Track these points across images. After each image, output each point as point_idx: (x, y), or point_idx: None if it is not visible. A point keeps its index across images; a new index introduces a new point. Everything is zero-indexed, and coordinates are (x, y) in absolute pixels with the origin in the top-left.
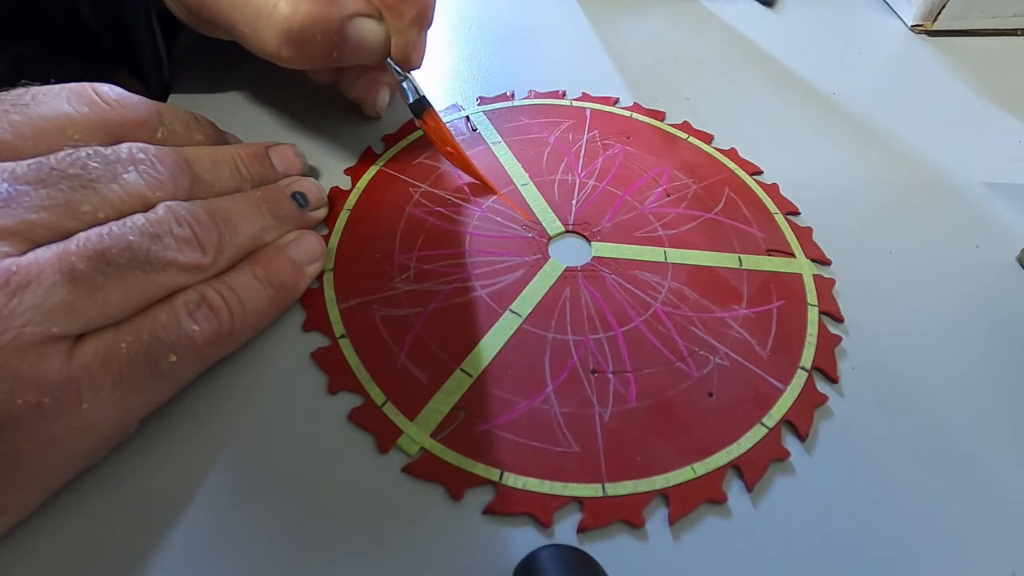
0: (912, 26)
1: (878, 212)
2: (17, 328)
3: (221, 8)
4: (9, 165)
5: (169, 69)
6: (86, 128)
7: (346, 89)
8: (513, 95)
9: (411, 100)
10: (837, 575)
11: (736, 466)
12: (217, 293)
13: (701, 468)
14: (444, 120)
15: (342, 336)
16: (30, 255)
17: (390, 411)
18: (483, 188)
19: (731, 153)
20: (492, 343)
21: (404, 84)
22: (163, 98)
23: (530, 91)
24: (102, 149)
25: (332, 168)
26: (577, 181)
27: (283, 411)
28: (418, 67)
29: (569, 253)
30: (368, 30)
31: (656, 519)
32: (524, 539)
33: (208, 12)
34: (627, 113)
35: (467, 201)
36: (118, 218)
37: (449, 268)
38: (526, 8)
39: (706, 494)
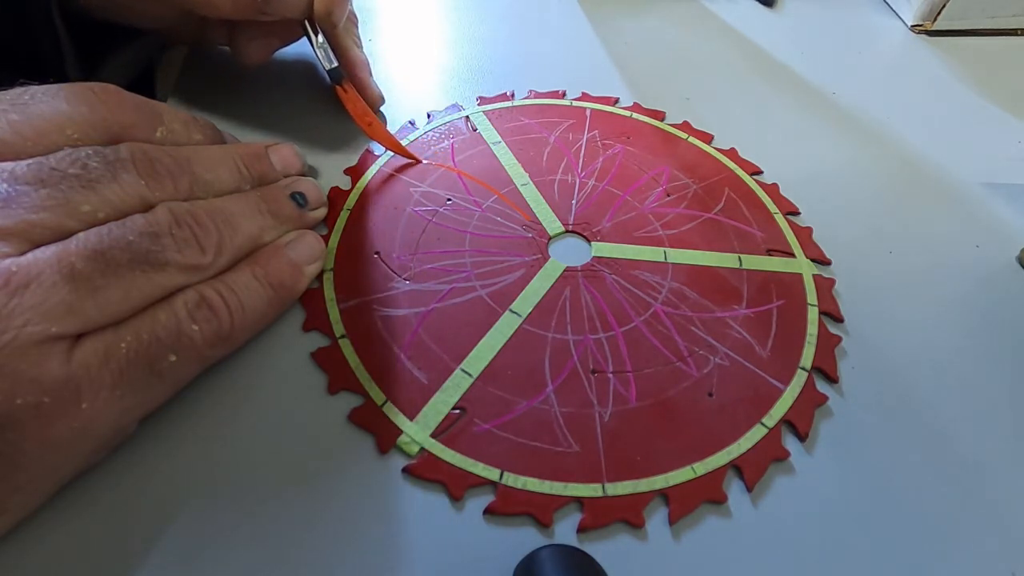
0: (912, 26)
1: (878, 212)
2: (17, 328)
3: None
4: (8, 165)
5: (89, 75)
6: (85, 128)
7: (238, 50)
8: (513, 95)
9: (329, 66)
10: (837, 575)
11: (736, 466)
12: (216, 293)
13: (701, 468)
14: (444, 120)
15: (342, 336)
16: (30, 255)
17: (390, 411)
18: (483, 188)
19: (731, 153)
20: (492, 343)
21: (320, 50)
22: (162, 98)
23: (530, 91)
24: (102, 149)
25: (332, 168)
26: (577, 181)
27: (283, 411)
28: (338, 27)
29: (569, 253)
30: None
31: (656, 519)
32: (524, 539)
33: None
34: (627, 113)
35: (467, 201)
36: (118, 218)
37: (449, 268)
38: (526, 8)
39: (706, 494)
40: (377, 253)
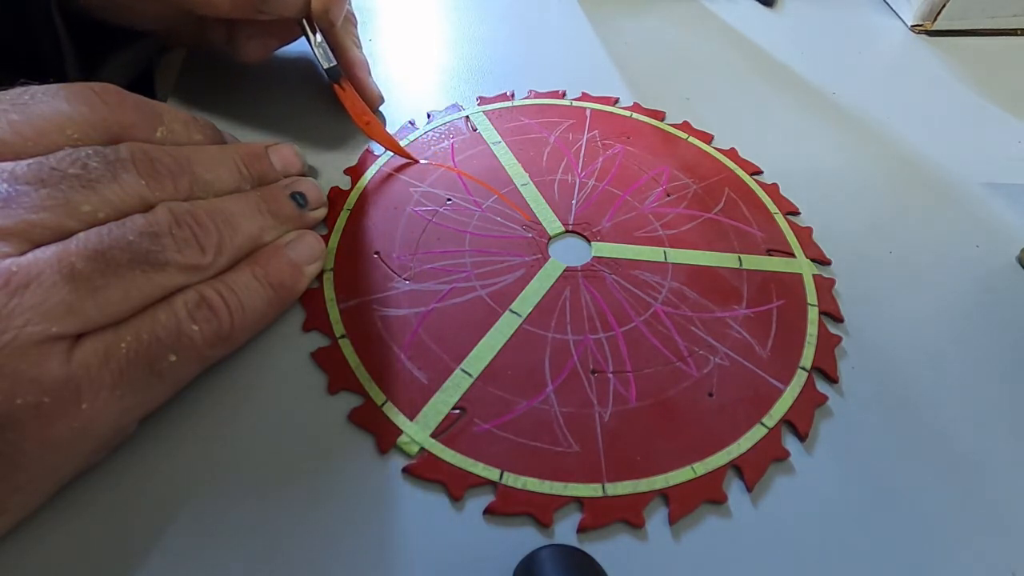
0: (912, 26)
1: (878, 212)
2: (17, 328)
3: None
4: (8, 165)
5: (89, 75)
6: (85, 127)
7: (236, 49)
8: (513, 95)
9: (327, 65)
10: (837, 575)
11: (736, 466)
12: (216, 293)
13: (701, 468)
14: (444, 120)
15: (342, 336)
16: (30, 255)
17: (390, 411)
18: (483, 188)
19: (731, 153)
20: (492, 343)
21: (318, 48)
22: (162, 98)
23: (530, 91)
24: (102, 149)
25: (332, 168)
26: (577, 181)
27: (283, 411)
28: (336, 25)
29: (569, 253)
30: None
31: (656, 519)
32: (524, 539)
33: None
34: (627, 113)
35: (467, 201)
36: (118, 218)
37: (449, 268)
38: (526, 8)
39: (706, 494)
40: (377, 253)
